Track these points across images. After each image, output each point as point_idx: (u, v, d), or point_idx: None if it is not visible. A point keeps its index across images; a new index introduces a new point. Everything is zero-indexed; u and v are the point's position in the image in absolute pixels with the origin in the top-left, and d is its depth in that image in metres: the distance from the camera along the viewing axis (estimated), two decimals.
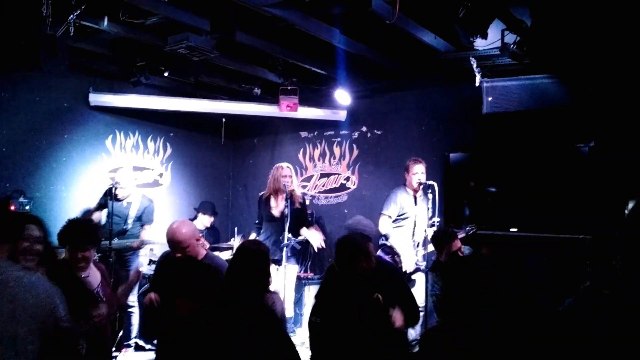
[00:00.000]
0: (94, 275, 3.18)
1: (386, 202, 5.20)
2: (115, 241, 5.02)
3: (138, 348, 5.19)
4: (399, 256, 4.99)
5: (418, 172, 5.09)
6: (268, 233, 5.31)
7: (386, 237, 5.10)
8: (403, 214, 5.15)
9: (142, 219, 5.26)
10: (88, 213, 5.25)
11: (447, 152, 5.76)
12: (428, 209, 4.95)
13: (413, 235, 5.14)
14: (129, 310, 5.05)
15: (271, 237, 5.25)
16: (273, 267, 5.02)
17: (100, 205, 5.23)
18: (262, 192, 5.54)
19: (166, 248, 6.11)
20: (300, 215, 5.32)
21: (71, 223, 3.11)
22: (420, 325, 4.05)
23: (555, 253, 4.81)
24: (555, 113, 4.99)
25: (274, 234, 5.24)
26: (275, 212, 5.28)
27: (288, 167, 5.36)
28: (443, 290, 3.96)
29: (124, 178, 5.16)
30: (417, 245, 5.12)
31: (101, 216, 5.19)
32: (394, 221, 5.16)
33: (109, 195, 5.08)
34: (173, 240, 3.50)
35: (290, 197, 5.10)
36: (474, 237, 4.86)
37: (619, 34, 4.37)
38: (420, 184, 5.07)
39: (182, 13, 4.43)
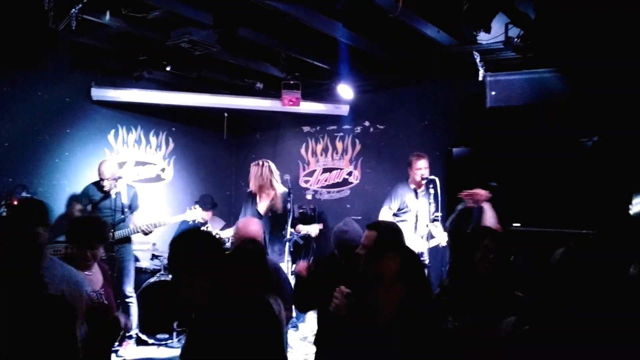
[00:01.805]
0: (96, 275, 3.10)
1: (388, 195, 5.26)
2: (119, 232, 5.06)
3: (140, 342, 5.20)
4: None
5: (422, 167, 5.08)
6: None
7: None
8: (404, 208, 5.17)
9: (132, 207, 5.28)
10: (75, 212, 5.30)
11: (450, 146, 5.74)
12: (430, 203, 4.95)
13: (415, 229, 5.14)
14: (127, 301, 5.05)
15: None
16: None
17: (79, 203, 5.23)
18: (248, 189, 5.28)
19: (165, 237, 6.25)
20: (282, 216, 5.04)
21: (80, 220, 3.07)
22: None
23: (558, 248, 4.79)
24: (559, 107, 4.96)
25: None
26: (261, 209, 5.03)
27: (258, 164, 5.10)
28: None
29: (107, 169, 5.10)
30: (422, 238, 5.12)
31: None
32: (395, 215, 5.17)
33: (102, 192, 5.08)
34: (249, 234, 3.58)
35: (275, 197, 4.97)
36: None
37: (623, 28, 4.35)
38: (423, 178, 5.06)
39: (184, 7, 4.42)
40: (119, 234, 5.04)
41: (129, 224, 5.21)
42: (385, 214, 5.17)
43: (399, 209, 5.17)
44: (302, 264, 3.68)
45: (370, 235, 3.15)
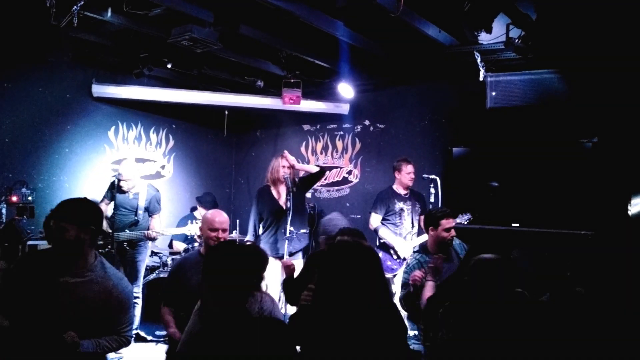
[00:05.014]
0: None
1: (374, 201, 5.51)
2: (127, 232, 5.06)
3: (139, 339, 5.21)
4: (392, 248, 5.21)
5: (411, 172, 5.36)
6: (273, 226, 5.09)
7: (376, 232, 5.36)
8: (391, 212, 5.38)
9: (150, 209, 5.25)
10: None
11: (449, 146, 5.75)
12: (416, 204, 5.33)
13: (403, 228, 5.35)
14: (133, 301, 5.05)
15: (277, 230, 5.04)
16: (275, 261, 5.01)
17: (105, 198, 5.25)
18: (260, 187, 5.37)
19: (167, 241, 6.27)
20: (301, 203, 5.19)
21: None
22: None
23: (557, 248, 4.81)
24: (559, 108, 4.98)
25: (280, 226, 5.01)
26: (280, 203, 5.08)
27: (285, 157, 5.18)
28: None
29: (126, 170, 5.15)
30: (406, 238, 5.33)
31: (107, 209, 5.20)
32: (384, 219, 5.39)
33: (114, 188, 5.09)
34: (220, 219, 3.52)
35: (293, 182, 5.00)
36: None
37: (624, 29, 4.35)
38: (413, 180, 5.35)
39: (186, 4, 4.42)
40: (125, 235, 5.05)
41: (147, 227, 5.20)
42: (376, 219, 5.41)
43: (386, 214, 5.41)
44: (287, 260, 3.76)
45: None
